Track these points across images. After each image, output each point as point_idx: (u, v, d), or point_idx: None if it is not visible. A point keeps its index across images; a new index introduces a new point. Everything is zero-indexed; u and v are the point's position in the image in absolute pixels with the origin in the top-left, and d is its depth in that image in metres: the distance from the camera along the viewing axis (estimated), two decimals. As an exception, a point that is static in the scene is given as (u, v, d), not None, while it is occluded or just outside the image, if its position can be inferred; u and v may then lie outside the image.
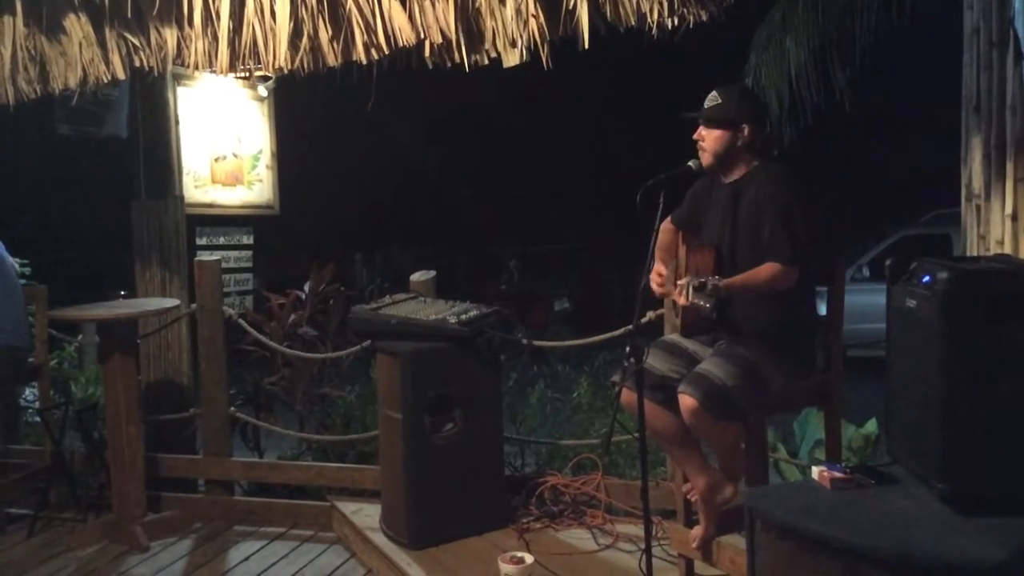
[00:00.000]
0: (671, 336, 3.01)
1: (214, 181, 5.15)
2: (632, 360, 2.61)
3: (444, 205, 14.09)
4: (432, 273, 4.19)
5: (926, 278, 2.02)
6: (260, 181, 5.47)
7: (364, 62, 3.18)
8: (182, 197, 4.84)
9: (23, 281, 4.85)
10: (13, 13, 3.30)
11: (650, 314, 3.50)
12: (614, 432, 3.06)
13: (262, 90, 5.31)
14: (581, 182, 14.15)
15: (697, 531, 2.86)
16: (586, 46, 2.88)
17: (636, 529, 3.47)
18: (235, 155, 5.27)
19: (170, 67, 3.85)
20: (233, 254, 5.32)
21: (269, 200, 5.53)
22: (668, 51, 3.37)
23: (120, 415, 4.01)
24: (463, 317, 3.62)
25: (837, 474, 2.15)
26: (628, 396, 2.69)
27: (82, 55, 3.36)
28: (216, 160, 5.15)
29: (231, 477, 4.37)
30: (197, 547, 3.97)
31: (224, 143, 5.15)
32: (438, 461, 3.49)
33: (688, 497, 2.96)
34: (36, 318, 4.61)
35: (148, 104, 4.71)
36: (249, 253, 5.45)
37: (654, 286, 2.84)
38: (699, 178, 2.91)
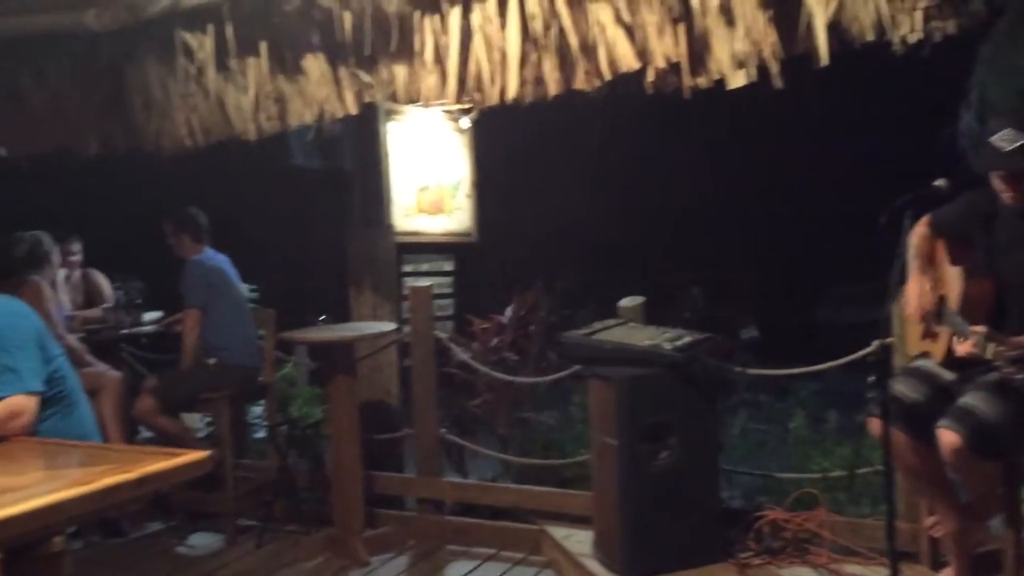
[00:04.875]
0: (922, 362, 2.82)
1: (419, 210, 5.34)
2: (879, 388, 2.48)
3: (626, 232, 14.05)
4: (641, 299, 4.17)
5: None
6: (460, 209, 5.63)
7: (586, 89, 3.22)
8: (392, 226, 5.05)
9: (252, 305, 5.20)
10: (257, 55, 3.53)
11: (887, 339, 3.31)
12: (855, 465, 2.91)
13: (464, 122, 5.48)
14: (770, 208, 13.79)
15: (948, 575, 2.68)
16: (823, 63, 2.80)
17: (864, 570, 3.29)
18: (438, 185, 5.46)
19: (384, 102, 4.05)
20: (436, 280, 5.51)
21: (468, 228, 5.68)
22: (869, 69, 3.19)
23: (342, 434, 4.20)
24: (678, 343, 3.57)
25: None
26: (876, 426, 2.56)
27: (318, 93, 3.56)
28: (421, 190, 5.34)
29: (442, 497, 4.48)
30: (413, 564, 4.08)
31: (428, 173, 5.34)
32: (653, 489, 3.44)
33: (933, 536, 2.78)
34: (265, 340, 4.92)
35: (363, 138, 4.96)
36: (450, 279, 5.62)
37: (913, 303, 2.66)
38: (944, 200, 2.73)
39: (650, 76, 3.13)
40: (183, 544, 4.51)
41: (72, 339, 4.56)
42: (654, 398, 3.48)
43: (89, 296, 5.51)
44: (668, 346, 3.54)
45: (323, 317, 5.84)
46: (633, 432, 3.43)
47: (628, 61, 3.12)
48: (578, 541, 3.82)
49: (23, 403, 2.58)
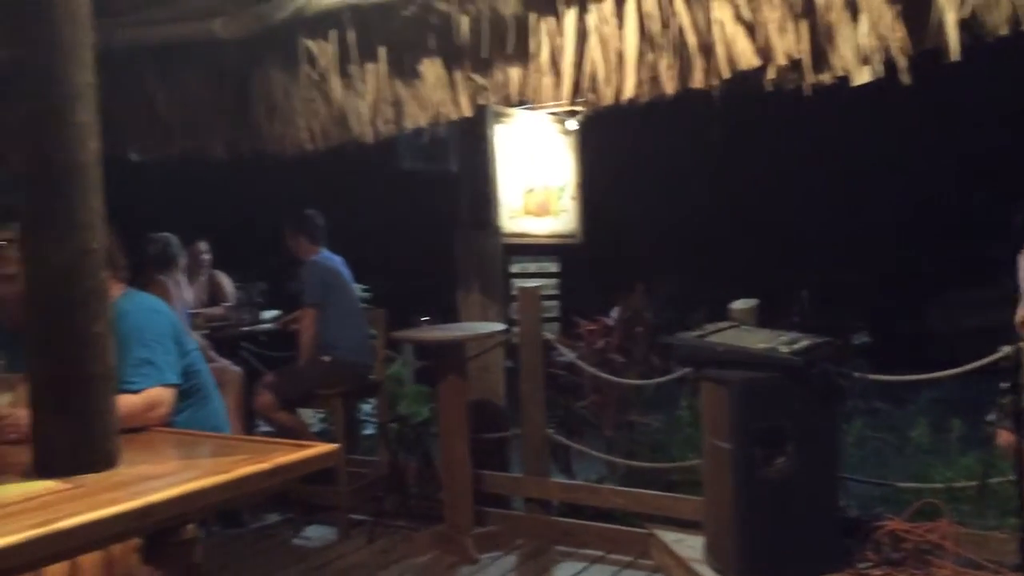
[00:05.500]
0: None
1: (526, 212, 5.37)
2: (1012, 395, 2.38)
3: (732, 234, 13.79)
4: (754, 301, 4.10)
5: None
6: (566, 211, 5.64)
7: (703, 88, 3.19)
8: (499, 227, 5.10)
9: (364, 305, 5.32)
10: (376, 60, 3.62)
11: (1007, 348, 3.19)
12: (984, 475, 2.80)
13: (571, 124, 5.49)
14: (884, 210, 13.32)
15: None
16: (954, 58, 2.71)
17: (991, 584, 3.16)
18: (544, 187, 5.49)
19: (494, 105, 4.09)
20: (541, 281, 5.53)
21: (573, 230, 5.69)
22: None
23: (452, 433, 4.26)
24: (795, 346, 3.49)
25: None
26: (1007, 438, 2.46)
27: (433, 96, 3.62)
28: (527, 192, 5.37)
29: (550, 497, 4.49)
30: (522, 563, 4.11)
31: (534, 175, 5.37)
32: (768, 495, 3.37)
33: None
34: (376, 339, 5.03)
35: (471, 141, 5.03)
36: (555, 281, 5.64)
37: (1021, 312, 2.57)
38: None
39: (770, 74, 3.08)
40: (299, 536, 4.65)
41: (196, 336, 4.76)
42: (769, 402, 3.41)
43: (213, 295, 5.75)
44: (785, 349, 3.47)
45: (426, 317, 5.93)
46: (747, 436, 3.37)
47: (748, 59, 3.08)
48: (689, 546, 3.77)
49: (161, 395, 2.70)
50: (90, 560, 1.98)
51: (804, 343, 3.52)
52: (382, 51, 3.61)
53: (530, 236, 5.37)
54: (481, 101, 3.64)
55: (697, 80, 3.19)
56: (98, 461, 2.11)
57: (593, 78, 3.29)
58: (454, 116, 3.68)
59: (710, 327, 3.91)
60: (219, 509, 3.70)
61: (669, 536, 3.92)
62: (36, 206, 2.12)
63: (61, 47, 2.09)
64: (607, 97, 3.30)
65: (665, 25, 3.14)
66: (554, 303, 5.62)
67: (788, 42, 2.99)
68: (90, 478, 2.05)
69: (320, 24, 3.60)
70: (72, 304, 2.07)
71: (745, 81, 3.22)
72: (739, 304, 4.13)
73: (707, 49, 3.12)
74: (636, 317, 5.39)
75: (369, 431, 5.63)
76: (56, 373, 2.10)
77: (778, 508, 3.36)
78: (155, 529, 2.11)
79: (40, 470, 2.09)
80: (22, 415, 2.33)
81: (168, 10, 3.91)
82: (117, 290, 2.74)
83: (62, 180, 2.07)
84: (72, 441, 2.09)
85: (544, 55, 3.32)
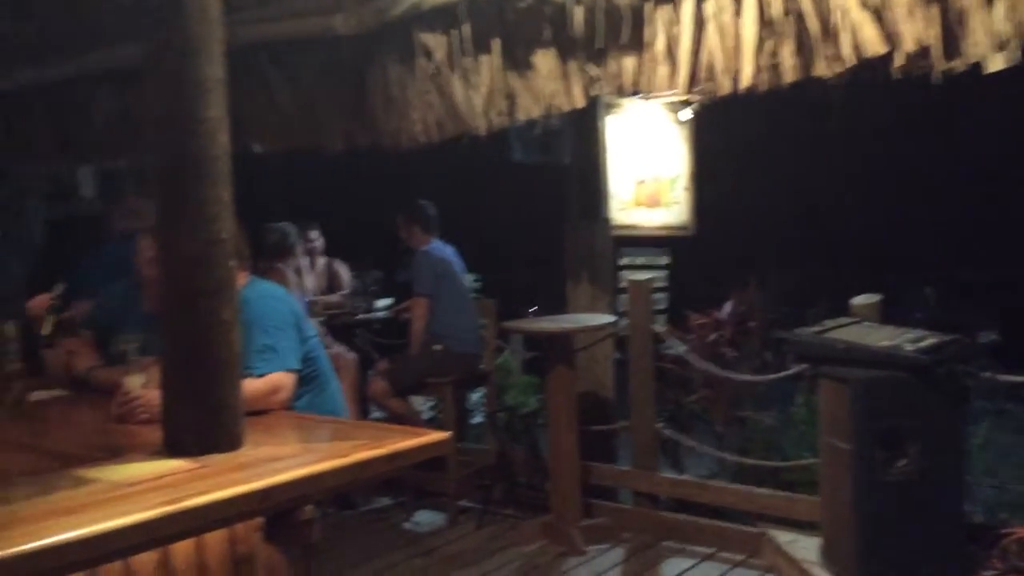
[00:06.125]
0: None
1: (637, 203, 5.32)
2: None
3: (850, 227, 13.32)
4: (877, 297, 3.96)
5: None
6: (678, 203, 5.55)
7: (826, 76, 3.07)
8: (609, 219, 5.07)
9: (474, 295, 5.38)
10: (490, 52, 3.63)
11: None
12: None
13: (684, 114, 5.40)
14: (1014, 202, 12.61)
15: None
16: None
17: None
18: (655, 178, 5.41)
19: (606, 95, 4.05)
20: (651, 274, 5.47)
21: (685, 221, 5.59)
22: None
23: (560, 424, 4.27)
24: (920, 344, 3.35)
25: None
26: None
27: (547, 88, 3.61)
28: (639, 183, 5.32)
29: (658, 491, 4.45)
30: (630, 556, 4.09)
31: (646, 167, 5.30)
32: (890, 498, 3.26)
33: None
34: (486, 329, 5.08)
35: (582, 132, 5.01)
36: (665, 273, 5.56)
37: None
38: None
39: (898, 61, 2.94)
40: (409, 520, 4.75)
41: (314, 322, 4.90)
42: (893, 402, 3.29)
43: (330, 283, 5.92)
44: (910, 347, 3.33)
45: (534, 308, 5.95)
46: (869, 437, 3.26)
47: (874, 45, 2.95)
48: (803, 547, 3.68)
49: (283, 380, 2.79)
50: (215, 537, 2.06)
51: (930, 341, 3.38)
52: (496, 43, 3.62)
53: (640, 228, 5.31)
54: (594, 92, 3.60)
55: (820, 68, 3.08)
56: (224, 442, 2.19)
57: (710, 67, 3.22)
58: (566, 107, 3.65)
59: (830, 323, 3.79)
60: (335, 492, 3.80)
61: (783, 536, 3.84)
62: (169, 198, 2.22)
63: (193, 44, 2.17)
64: (724, 86, 3.22)
65: (786, 11, 3.04)
66: (664, 296, 5.56)
67: (917, 27, 2.85)
68: (216, 458, 2.14)
69: (436, 18, 3.63)
70: (201, 292, 2.16)
71: (871, 68, 3.10)
72: (861, 299, 3.99)
73: (830, 35, 3.01)
74: (750, 311, 5.27)
75: (477, 420, 5.69)
76: (186, 357, 2.20)
77: (900, 512, 3.25)
78: (276, 510, 2.19)
79: (169, 449, 2.19)
80: (154, 396, 2.44)
81: (288, 7, 4.02)
82: (242, 279, 2.85)
83: (193, 173, 2.16)
84: (200, 422, 2.19)
85: (660, 44, 3.26)
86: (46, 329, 3.29)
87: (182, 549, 1.98)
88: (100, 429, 2.73)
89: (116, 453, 2.30)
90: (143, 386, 2.71)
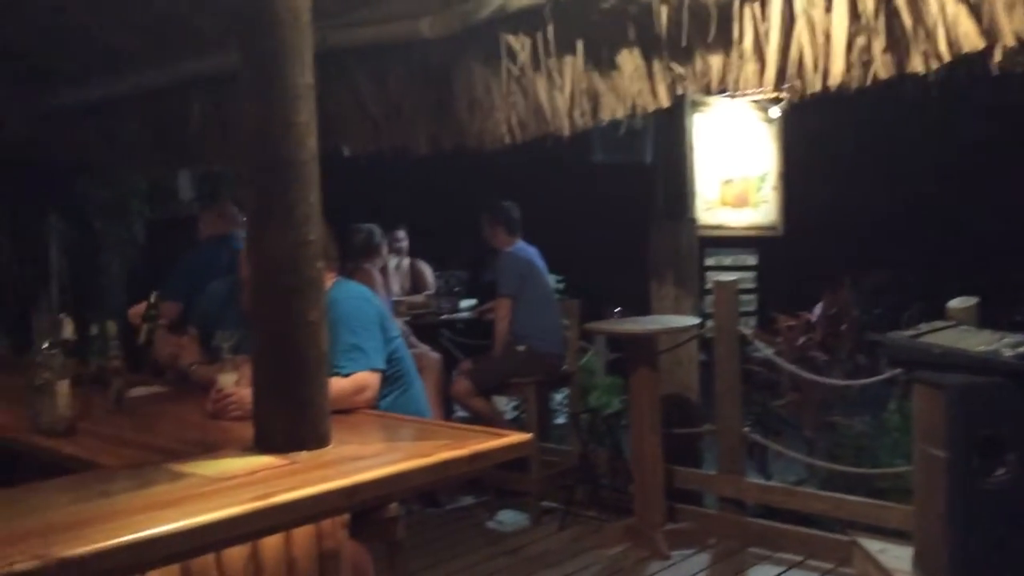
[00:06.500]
0: None
1: (723, 203, 5.24)
2: None
3: (946, 227, 12.85)
4: (974, 299, 3.81)
5: None
6: (766, 202, 5.45)
7: (921, 72, 2.97)
8: (695, 219, 5.00)
9: (557, 295, 5.39)
10: (574, 53, 3.62)
11: None
12: None
13: (773, 112, 5.30)
14: None
15: None
16: None
17: None
18: (743, 177, 5.32)
19: (692, 94, 4.00)
20: (738, 275, 5.38)
21: (774, 221, 5.49)
22: None
23: (644, 426, 4.24)
24: (1020, 349, 3.21)
25: None
26: None
27: (631, 88, 3.58)
28: (725, 183, 5.24)
29: (744, 497, 4.38)
30: (715, 562, 4.03)
31: (732, 166, 5.22)
32: (986, 508, 3.13)
33: None
34: (569, 329, 5.07)
35: (667, 132, 4.96)
36: (753, 274, 5.47)
37: None
38: None
39: (996, 57, 2.83)
40: (492, 519, 4.78)
41: (398, 322, 4.98)
42: (991, 409, 3.16)
43: (415, 283, 6.01)
44: (1009, 352, 3.20)
45: (618, 309, 5.91)
46: (965, 445, 3.14)
47: (971, 41, 2.84)
48: (895, 557, 3.57)
49: (368, 379, 2.85)
50: (302, 533, 2.10)
51: (1033, 346, 3.23)
52: (580, 44, 3.61)
53: (727, 228, 5.24)
54: (679, 91, 3.56)
55: (914, 64, 2.98)
56: (311, 440, 2.25)
57: (799, 64, 3.15)
58: (651, 107, 3.62)
59: (925, 326, 3.67)
60: (419, 491, 3.86)
61: (874, 545, 3.72)
62: (261, 200, 2.28)
63: (285, 51, 2.23)
64: (814, 83, 3.14)
65: (878, 6, 2.95)
66: (751, 297, 5.47)
67: (1017, 21, 2.73)
68: (304, 455, 2.19)
69: (520, 20, 3.63)
70: (291, 292, 2.22)
71: (968, 64, 2.98)
72: (958, 302, 3.84)
73: (925, 31, 2.91)
74: (841, 313, 5.15)
75: (560, 420, 5.69)
76: (275, 356, 2.26)
77: (996, 522, 3.12)
78: (362, 507, 2.24)
79: (260, 445, 2.25)
80: (246, 394, 2.52)
81: (375, 12, 4.08)
82: (329, 279, 2.91)
83: (284, 176, 2.22)
84: (289, 420, 2.24)
85: (748, 41, 3.20)
86: (142, 337, 3.46)
87: (271, 544, 2.03)
88: (196, 424, 2.83)
89: (210, 448, 2.37)
90: (236, 383, 2.80)
